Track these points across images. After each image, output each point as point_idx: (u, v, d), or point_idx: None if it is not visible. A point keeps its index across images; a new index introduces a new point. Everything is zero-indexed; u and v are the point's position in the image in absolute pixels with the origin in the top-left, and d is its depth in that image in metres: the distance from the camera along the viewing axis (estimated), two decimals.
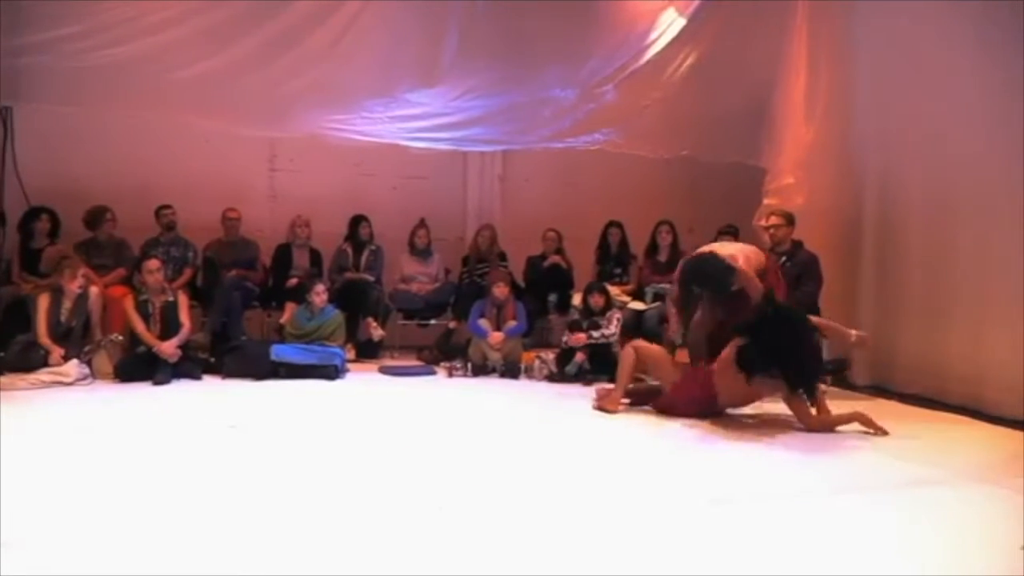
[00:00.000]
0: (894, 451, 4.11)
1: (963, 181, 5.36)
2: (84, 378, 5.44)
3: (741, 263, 4.75)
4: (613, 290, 6.84)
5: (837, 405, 4.76)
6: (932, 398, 5.37)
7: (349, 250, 7.14)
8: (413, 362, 6.71)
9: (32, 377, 5.28)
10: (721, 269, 4.72)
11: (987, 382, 5.11)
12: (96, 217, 6.44)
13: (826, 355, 5.19)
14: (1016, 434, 4.59)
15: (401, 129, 6.78)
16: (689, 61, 6.82)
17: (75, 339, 5.66)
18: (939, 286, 5.50)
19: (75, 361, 5.46)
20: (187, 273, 6.66)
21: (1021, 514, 3.15)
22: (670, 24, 6.78)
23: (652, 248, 7.04)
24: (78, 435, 4.03)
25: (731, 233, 6.39)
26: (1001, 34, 5.05)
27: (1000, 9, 5.04)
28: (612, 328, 6.08)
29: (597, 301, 6.17)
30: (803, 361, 4.42)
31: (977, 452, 4.17)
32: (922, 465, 3.88)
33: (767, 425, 4.64)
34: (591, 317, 6.13)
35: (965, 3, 5.29)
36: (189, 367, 5.70)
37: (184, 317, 5.82)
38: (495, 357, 6.26)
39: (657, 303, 6.63)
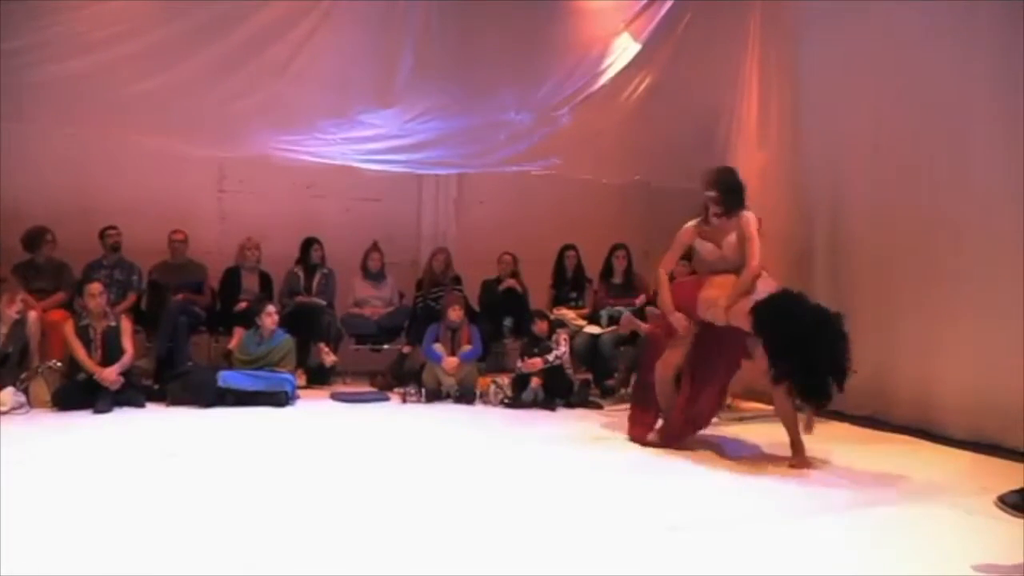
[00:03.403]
0: (846, 474, 4.15)
1: (908, 202, 5.46)
2: (20, 407, 5.26)
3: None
4: (569, 314, 6.84)
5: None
6: (882, 419, 5.45)
7: (300, 273, 7.02)
8: (366, 388, 6.59)
9: None
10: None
11: (934, 403, 5.19)
12: (35, 238, 6.21)
13: None
14: (962, 454, 4.69)
15: (354, 151, 6.70)
16: (644, 86, 6.90)
17: (11, 366, 5.47)
18: (888, 308, 5.57)
19: (11, 389, 5.28)
20: (131, 297, 6.46)
21: (970, 533, 3.19)
22: (625, 49, 6.86)
23: (607, 272, 7.06)
24: (13, 467, 3.84)
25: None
26: (941, 54, 5.20)
27: (940, 29, 5.20)
28: (562, 348, 6.10)
29: (541, 328, 6.19)
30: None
31: (926, 472, 4.22)
32: (873, 487, 3.91)
33: (721, 451, 4.65)
34: (538, 343, 6.13)
35: (907, 21, 5.44)
36: (131, 395, 5.53)
37: (127, 343, 5.65)
38: (449, 382, 6.19)
39: (612, 327, 6.63)
